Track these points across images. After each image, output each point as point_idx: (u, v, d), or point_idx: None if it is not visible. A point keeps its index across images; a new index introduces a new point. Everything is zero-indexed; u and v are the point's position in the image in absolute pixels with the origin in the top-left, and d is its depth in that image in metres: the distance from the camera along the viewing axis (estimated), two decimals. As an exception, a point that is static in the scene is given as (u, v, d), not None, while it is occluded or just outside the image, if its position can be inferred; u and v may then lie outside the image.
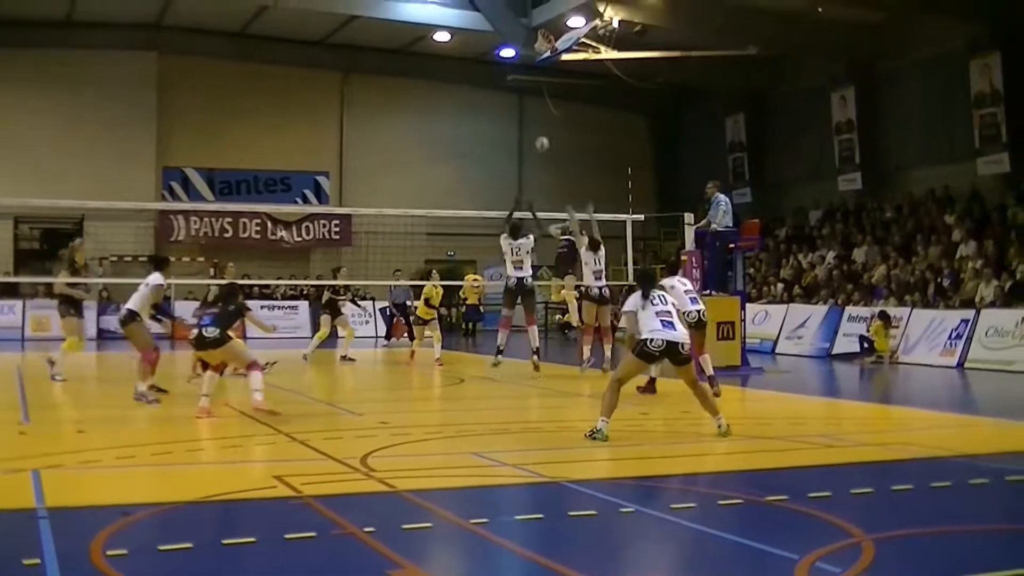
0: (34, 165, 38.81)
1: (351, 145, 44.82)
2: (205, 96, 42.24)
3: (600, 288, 21.40)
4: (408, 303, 31.92)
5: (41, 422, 14.94)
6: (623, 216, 24.55)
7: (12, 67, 39.88)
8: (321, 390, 18.89)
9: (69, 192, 31.18)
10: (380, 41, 42.72)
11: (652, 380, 17.89)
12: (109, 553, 7.37)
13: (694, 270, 22.82)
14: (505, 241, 21.33)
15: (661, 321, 13.14)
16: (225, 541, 7.78)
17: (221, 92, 42.43)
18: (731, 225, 23.80)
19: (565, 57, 33.90)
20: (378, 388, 21.00)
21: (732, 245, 23.89)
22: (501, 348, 21.08)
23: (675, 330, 13.13)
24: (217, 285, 21.38)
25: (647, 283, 13.75)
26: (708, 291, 22.98)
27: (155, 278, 17.25)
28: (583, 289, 21.97)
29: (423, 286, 25.90)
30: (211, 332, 14.81)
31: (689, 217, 23.82)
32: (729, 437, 12.96)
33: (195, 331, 15.18)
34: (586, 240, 21.58)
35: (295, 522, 8.38)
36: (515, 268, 21.13)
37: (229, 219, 42.03)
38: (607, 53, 33.88)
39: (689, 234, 23.57)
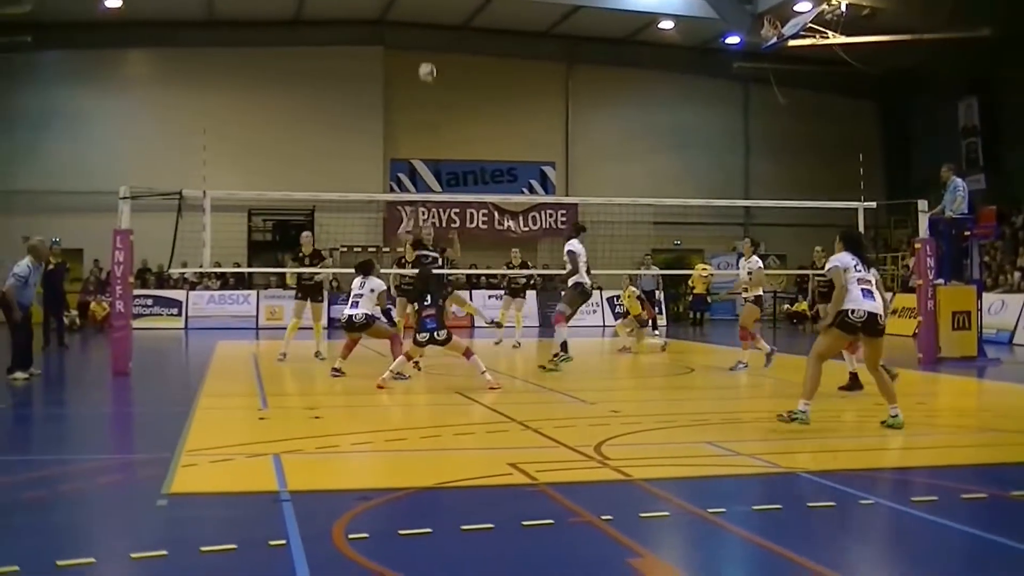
0: (265, 159, 39.93)
1: (576, 135, 44.93)
2: (431, 89, 42.20)
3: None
4: (656, 291, 31.74)
5: (279, 408, 15.29)
6: (855, 204, 24.01)
7: (244, 66, 41.14)
8: (551, 378, 18.88)
9: (299, 185, 31.85)
10: (604, 30, 42.73)
11: (854, 376, 16.63)
12: (351, 536, 7.47)
13: (928, 258, 22.27)
14: (580, 245, 20.28)
15: (862, 290, 12.74)
16: (464, 527, 7.78)
17: (445, 84, 42.49)
18: (966, 212, 23.14)
19: (792, 43, 33.48)
20: (607, 377, 20.92)
21: (967, 232, 23.24)
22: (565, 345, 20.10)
23: (875, 300, 12.74)
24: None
25: (854, 245, 13.30)
26: (942, 280, 22.46)
27: (378, 284, 18.84)
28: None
29: (673, 275, 25.57)
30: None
31: (923, 204, 23.14)
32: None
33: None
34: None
35: (532, 509, 8.37)
36: (588, 273, 20.39)
37: (456, 210, 42.48)
38: (835, 38, 33.32)
39: (923, 222, 22.94)
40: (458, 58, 42.67)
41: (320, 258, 22.66)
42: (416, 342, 16.90)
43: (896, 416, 12.67)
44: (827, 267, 13.47)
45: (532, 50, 43.48)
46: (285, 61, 41.38)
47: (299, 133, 41.40)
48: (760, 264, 21.06)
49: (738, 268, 21.65)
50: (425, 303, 16.81)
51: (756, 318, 21.07)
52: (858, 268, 12.85)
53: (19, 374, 18.22)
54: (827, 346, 13.05)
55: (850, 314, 12.63)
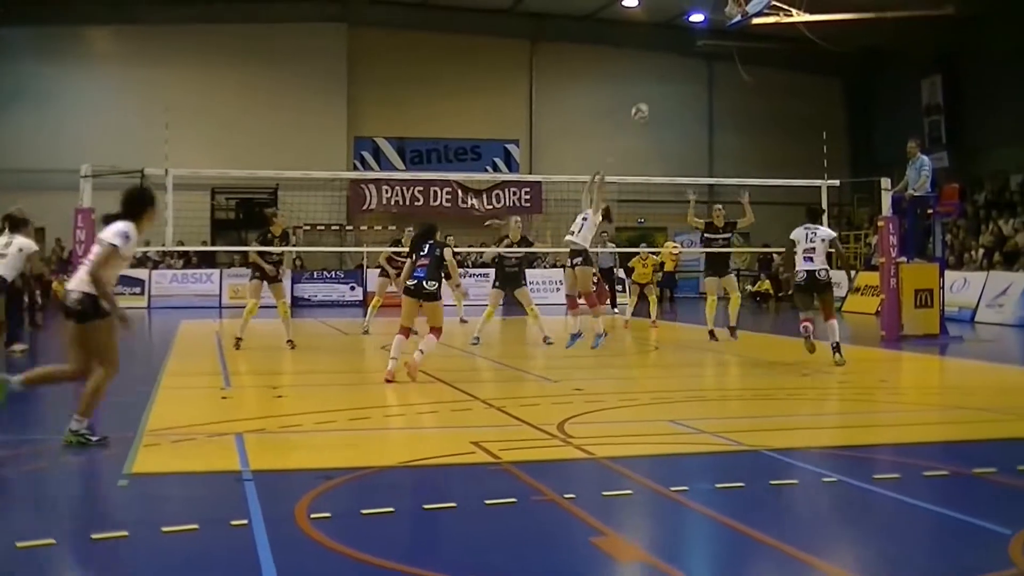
0: (229, 137, 39.81)
1: (541, 113, 44.96)
2: (395, 66, 42.73)
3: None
4: (614, 268, 31.74)
5: (241, 387, 15.29)
6: (818, 182, 24.02)
7: (208, 43, 41.07)
8: (515, 357, 18.88)
9: (263, 163, 31.74)
10: (568, 8, 42.86)
11: None
12: (313, 516, 7.45)
13: (891, 236, 22.34)
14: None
15: None
16: (426, 506, 7.78)
17: (410, 62, 42.88)
18: (930, 190, 23.19)
19: (756, 21, 33.40)
20: (571, 355, 20.94)
21: (930, 210, 23.31)
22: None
23: None
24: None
25: None
26: (905, 258, 22.52)
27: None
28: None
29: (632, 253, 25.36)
30: (431, 285, 14.95)
31: (886, 182, 23.19)
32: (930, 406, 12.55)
33: (413, 281, 15.04)
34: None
35: (495, 488, 8.38)
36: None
37: (420, 188, 42.51)
38: (799, 16, 33.28)
39: (886, 199, 23.00)
40: (422, 36, 42.79)
41: (287, 239, 21.68)
42: (404, 290, 15.33)
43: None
44: None
45: (496, 27, 43.47)
46: (249, 38, 41.26)
47: (263, 111, 41.28)
48: None
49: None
50: (422, 252, 15.22)
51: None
52: None
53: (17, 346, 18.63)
54: None
55: None
